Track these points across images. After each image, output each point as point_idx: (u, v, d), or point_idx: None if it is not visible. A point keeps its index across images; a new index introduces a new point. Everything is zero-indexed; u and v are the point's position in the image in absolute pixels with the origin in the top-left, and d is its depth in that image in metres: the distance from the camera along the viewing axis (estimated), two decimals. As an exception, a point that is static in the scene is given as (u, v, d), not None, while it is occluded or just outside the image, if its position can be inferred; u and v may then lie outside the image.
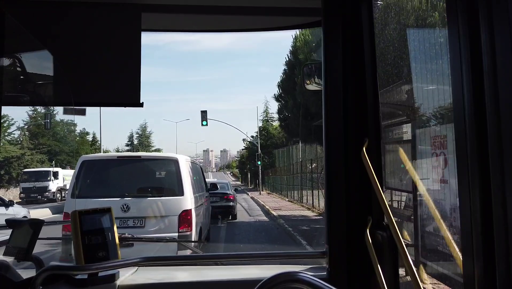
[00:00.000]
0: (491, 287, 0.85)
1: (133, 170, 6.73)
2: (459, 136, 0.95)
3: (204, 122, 27.20)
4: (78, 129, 47.88)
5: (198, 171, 8.62)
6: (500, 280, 0.83)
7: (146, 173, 6.71)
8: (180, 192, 6.31)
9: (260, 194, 32.52)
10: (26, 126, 43.38)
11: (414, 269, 1.07)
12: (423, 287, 1.09)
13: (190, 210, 6.28)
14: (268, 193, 33.91)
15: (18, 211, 11.39)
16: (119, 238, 1.54)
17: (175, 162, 6.58)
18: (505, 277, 0.82)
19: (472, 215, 0.89)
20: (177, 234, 5.93)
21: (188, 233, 6.11)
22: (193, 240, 6.22)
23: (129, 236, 1.73)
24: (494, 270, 0.84)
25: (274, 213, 16.89)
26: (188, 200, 6.35)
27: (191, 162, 7.66)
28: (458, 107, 0.97)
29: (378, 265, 1.18)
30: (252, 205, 22.91)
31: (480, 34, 0.89)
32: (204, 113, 27.58)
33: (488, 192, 0.85)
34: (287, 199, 24.17)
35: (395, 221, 1.21)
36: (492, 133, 0.84)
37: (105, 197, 6.09)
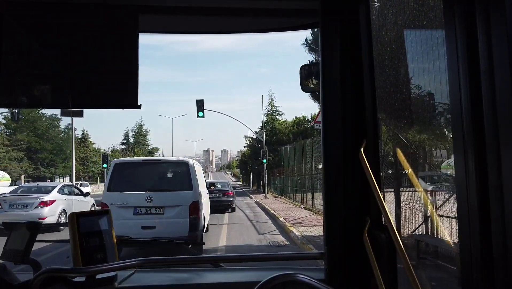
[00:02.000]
0: (490, 286, 0.92)
1: (154, 170, 9.18)
2: (457, 136, 1.05)
3: (200, 114, 25.42)
4: (63, 124, 47.62)
5: (201, 171, 10.99)
6: (499, 280, 0.89)
7: (164, 173, 9.23)
8: (190, 187, 8.75)
9: (265, 197, 30.25)
10: (4, 121, 43.24)
11: (413, 270, 1.20)
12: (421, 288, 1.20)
13: (198, 201, 8.71)
14: (275, 196, 31.49)
15: (90, 200, 16.79)
16: (117, 240, 1.69)
17: (186, 164, 9.08)
18: (504, 277, 0.88)
19: (470, 214, 0.95)
20: (188, 219, 8.31)
21: (197, 218, 8.54)
22: (200, 224, 8.73)
23: (126, 237, 1.87)
24: (492, 269, 0.90)
25: (295, 230, 11.93)
26: (196, 194, 8.77)
27: (191, 160, 9.88)
28: (456, 107, 1.07)
29: (377, 266, 1.24)
30: (259, 214, 18.71)
31: (477, 35, 1.01)
32: (200, 103, 25.43)
33: (485, 191, 0.92)
34: (302, 206, 20.61)
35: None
36: (489, 133, 0.91)
37: (133, 190, 8.46)
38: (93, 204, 16.70)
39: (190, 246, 1.98)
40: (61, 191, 15.01)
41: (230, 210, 19.11)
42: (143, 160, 10.07)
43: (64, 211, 14.21)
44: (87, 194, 17.41)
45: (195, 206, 8.62)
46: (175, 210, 8.57)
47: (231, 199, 19.37)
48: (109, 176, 8.93)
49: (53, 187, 15.18)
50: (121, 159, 11.28)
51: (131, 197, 8.46)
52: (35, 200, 13.70)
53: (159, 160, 10.13)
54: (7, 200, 13.89)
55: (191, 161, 9.46)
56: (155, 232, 8.19)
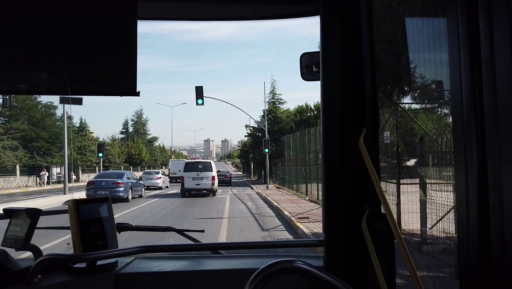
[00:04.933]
0: (486, 276, 0.96)
1: (199, 164, 27.20)
2: (457, 124, 1.07)
3: (200, 101, 25.76)
4: (60, 112, 47.27)
5: (214, 164, 27.67)
6: (495, 270, 0.93)
7: (202, 165, 26.91)
8: (212, 170, 26.32)
9: (267, 188, 30.24)
10: (-1, 109, 42.99)
11: (411, 257, 1.24)
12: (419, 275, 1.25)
13: (215, 175, 26.47)
14: (277, 187, 31.64)
15: (167, 178, 40.30)
16: (117, 227, 1.75)
17: (210, 162, 28.10)
18: (500, 266, 0.92)
19: (469, 203, 0.98)
20: (211, 181, 25.75)
21: (214, 182, 26.05)
22: (215, 184, 26.38)
23: (126, 224, 1.92)
24: (489, 259, 0.93)
25: (303, 227, 11.55)
26: (214, 172, 26.62)
27: (212, 161, 29.46)
28: (456, 95, 1.10)
29: (375, 254, 1.27)
30: (261, 207, 18.73)
31: (478, 23, 1.04)
32: (199, 90, 25.78)
33: (485, 180, 0.94)
34: (307, 198, 20.55)
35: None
36: (490, 122, 0.93)
37: (192, 171, 25.80)
38: (169, 180, 39.10)
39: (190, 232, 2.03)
40: (161, 173, 36.23)
41: (229, 185, 38.17)
42: (195, 161, 29.44)
43: (163, 182, 34.21)
44: (167, 175, 41.50)
45: (214, 177, 25.67)
46: (206, 179, 25.31)
47: (229, 179, 40.31)
48: (183, 167, 26.65)
49: (158, 172, 37.65)
50: (189, 160, 36.53)
51: (191, 174, 25.31)
52: (155, 176, 34.29)
53: (200, 161, 28.74)
54: (144, 176, 32.91)
55: (212, 161, 28.43)
56: (200, 186, 25.18)
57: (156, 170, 43.83)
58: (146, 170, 45.96)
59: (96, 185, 21.61)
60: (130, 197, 21.97)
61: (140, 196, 24.06)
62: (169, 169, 48.47)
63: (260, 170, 46.20)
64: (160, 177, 34.15)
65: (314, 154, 20.63)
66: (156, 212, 17.07)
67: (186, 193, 25.28)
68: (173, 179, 40.80)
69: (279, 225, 13.21)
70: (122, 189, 21.38)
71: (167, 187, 35.10)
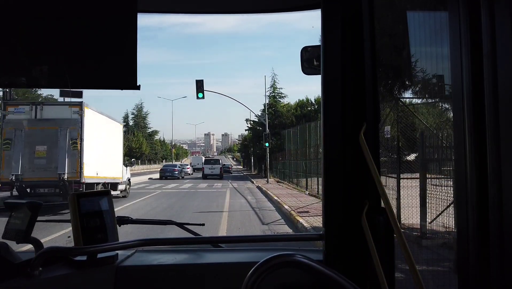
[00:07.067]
0: (485, 269, 0.97)
1: (212, 160, 47.66)
2: (457, 118, 1.05)
3: (200, 94, 25.56)
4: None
5: (221, 160, 49.83)
6: (494, 263, 0.94)
7: (214, 160, 47.18)
8: (220, 164, 45.00)
9: (267, 182, 30.15)
10: (-1, 102, 42.78)
11: (410, 251, 1.25)
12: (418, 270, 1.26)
13: (221, 167, 45.06)
14: (278, 181, 31.60)
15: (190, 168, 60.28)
16: (118, 220, 1.75)
17: (219, 159, 48.59)
18: (498, 260, 0.93)
19: (468, 198, 0.99)
20: (219, 170, 43.81)
21: (222, 171, 44.61)
22: (221, 172, 44.72)
23: (127, 217, 1.92)
24: (488, 253, 0.94)
25: (303, 221, 11.61)
26: (221, 165, 45.41)
27: (220, 158, 54.80)
28: (457, 90, 1.11)
29: (374, 248, 1.28)
30: (261, 201, 18.83)
31: (480, 18, 1.03)
32: (199, 84, 25.61)
33: (484, 175, 0.95)
34: (307, 192, 20.49)
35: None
36: (490, 117, 0.94)
37: (208, 164, 45.10)
38: (192, 169, 56.98)
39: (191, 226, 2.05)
40: (190, 165, 58.62)
41: (230, 173, 52.86)
42: (211, 158, 54.15)
43: (190, 170, 54.06)
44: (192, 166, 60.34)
45: (221, 168, 44.22)
46: (217, 169, 43.10)
47: (230, 169, 57.26)
48: (203, 162, 47.48)
49: (188, 164, 59.33)
50: (207, 157, 67.06)
51: (208, 166, 43.86)
52: (186, 167, 52.58)
53: (213, 158, 53.97)
54: (181, 167, 47.64)
55: (220, 158, 52.35)
56: (213, 173, 42.60)
57: (186, 163, 64.43)
58: (180, 163, 63.79)
59: (164, 170, 41.31)
60: (180, 177, 40.95)
61: (183, 177, 42.53)
62: (191, 163, 70.69)
63: (260, 164, 46.52)
64: (189, 168, 54.71)
65: (315, 148, 20.62)
66: (156, 205, 17.17)
67: (205, 177, 41.98)
68: (194, 170, 59.84)
69: (279, 219, 13.31)
70: (177, 172, 40.95)
71: (192, 174, 53.24)
